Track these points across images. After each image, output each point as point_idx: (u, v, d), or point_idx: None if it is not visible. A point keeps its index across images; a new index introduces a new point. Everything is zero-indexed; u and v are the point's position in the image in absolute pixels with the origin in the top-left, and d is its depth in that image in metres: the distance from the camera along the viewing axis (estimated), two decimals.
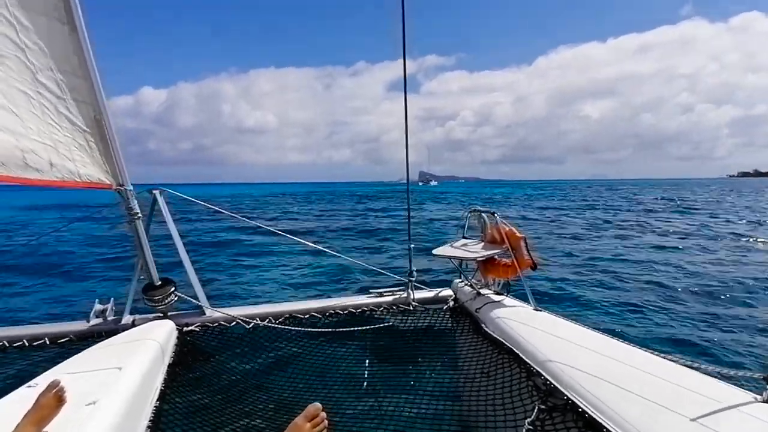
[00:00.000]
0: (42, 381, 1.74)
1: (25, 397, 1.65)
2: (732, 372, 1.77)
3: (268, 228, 4.35)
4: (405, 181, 3.64)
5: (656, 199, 42.67)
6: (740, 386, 1.69)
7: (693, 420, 1.47)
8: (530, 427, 1.87)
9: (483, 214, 3.34)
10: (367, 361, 3.24)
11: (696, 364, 1.88)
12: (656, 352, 2.07)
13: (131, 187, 2.92)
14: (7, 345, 2.91)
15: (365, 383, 3.07)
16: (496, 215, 3.14)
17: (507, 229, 3.02)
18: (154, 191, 3.18)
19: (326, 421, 1.35)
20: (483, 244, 3.28)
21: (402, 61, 3.24)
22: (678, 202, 36.02)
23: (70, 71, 2.52)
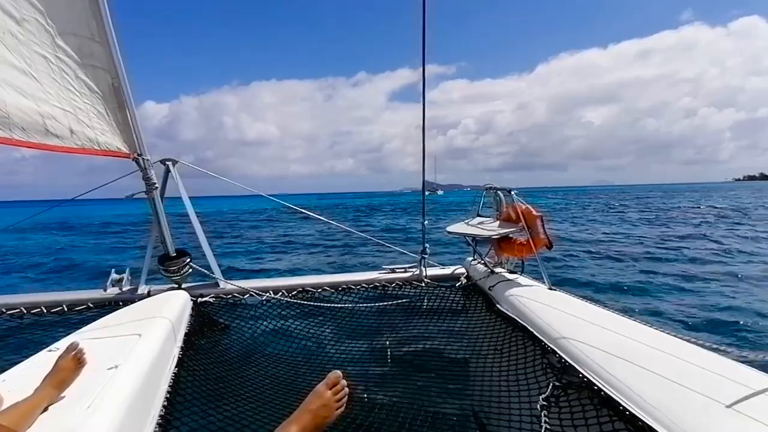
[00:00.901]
0: (63, 345, 1.76)
1: (46, 360, 1.67)
2: (752, 354, 1.76)
3: (284, 204, 4.35)
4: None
5: (697, 206, 34.51)
6: (761, 370, 1.68)
7: (712, 399, 1.45)
8: (545, 403, 1.86)
9: (499, 192, 3.31)
10: (378, 335, 3.26)
11: (715, 345, 1.87)
12: (672, 332, 2.06)
13: (149, 157, 2.92)
14: (25, 311, 2.96)
15: (376, 358, 3.09)
16: (512, 192, 3.11)
17: (523, 207, 2.98)
18: (167, 162, 3.18)
19: (347, 389, 1.35)
20: (498, 222, 3.25)
21: (419, 69, 3.21)
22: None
23: (89, 36, 2.50)
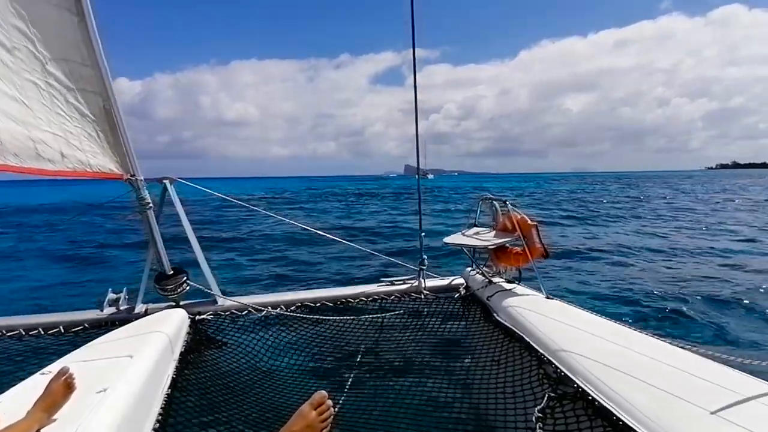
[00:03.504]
0: (55, 368, 1.77)
1: (38, 383, 1.68)
2: (748, 362, 1.74)
3: (281, 218, 4.36)
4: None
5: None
6: (759, 377, 1.65)
7: (706, 409, 1.44)
8: (540, 414, 1.86)
9: (494, 202, 3.32)
10: (377, 349, 3.24)
11: (710, 353, 1.85)
12: (668, 340, 2.04)
13: (142, 177, 2.94)
14: (24, 333, 2.97)
15: (376, 371, 3.07)
16: (507, 203, 3.12)
17: (518, 216, 2.99)
18: (164, 180, 3.19)
19: (332, 410, 1.34)
20: (494, 232, 3.25)
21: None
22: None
23: (80, 61, 2.52)
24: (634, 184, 62.57)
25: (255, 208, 4.46)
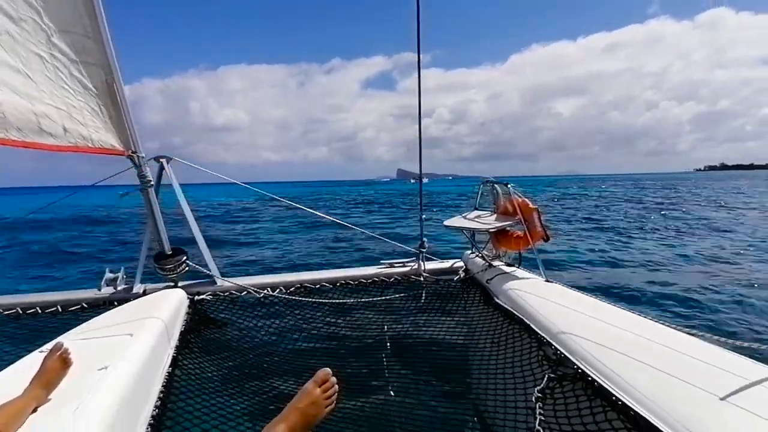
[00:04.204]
0: (52, 346, 1.77)
1: (36, 362, 1.66)
2: (747, 345, 1.76)
3: (281, 200, 4.34)
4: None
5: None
6: (757, 360, 1.67)
7: (704, 390, 1.45)
8: (540, 395, 1.87)
9: (496, 186, 3.32)
10: (377, 331, 3.25)
11: (709, 336, 1.88)
12: (668, 323, 2.06)
13: (143, 154, 2.92)
14: (21, 312, 2.96)
15: (375, 352, 3.10)
16: (509, 186, 3.12)
17: (520, 200, 2.99)
18: (161, 159, 3.17)
19: (336, 386, 1.35)
20: (495, 215, 3.25)
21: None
22: None
23: (83, 33, 2.51)
24: (639, 186, 60.79)
25: (255, 189, 4.43)
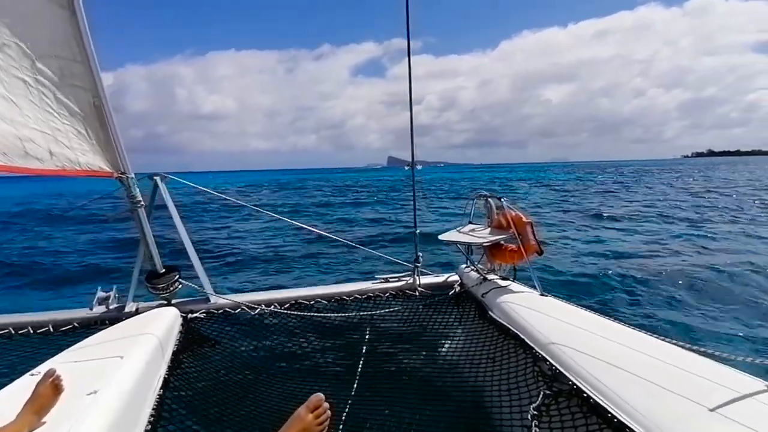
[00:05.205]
0: (44, 369, 1.75)
1: (28, 385, 1.65)
2: (741, 358, 1.75)
3: (278, 217, 4.33)
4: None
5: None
6: (751, 374, 1.66)
7: (700, 405, 1.45)
8: (535, 412, 1.86)
9: (489, 200, 3.31)
10: (372, 346, 3.23)
11: (703, 350, 1.86)
12: (663, 337, 2.05)
13: (132, 175, 2.90)
14: (13, 332, 2.92)
15: (371, 368, 3.07)
16: (502, 200, 3.11)
17: (513, 214, 2.98)
18: (155, 177, 3.14)
19: (329, 412, 1.33)
20: (490, 229, 3.25)
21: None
22: None
23: (70, 57, 2.48)
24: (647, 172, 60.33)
25: (251, 207, 4.41)
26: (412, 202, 3.85)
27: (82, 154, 2.62)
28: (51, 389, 1.59)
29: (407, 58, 3.40)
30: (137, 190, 2.93)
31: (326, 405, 1.32)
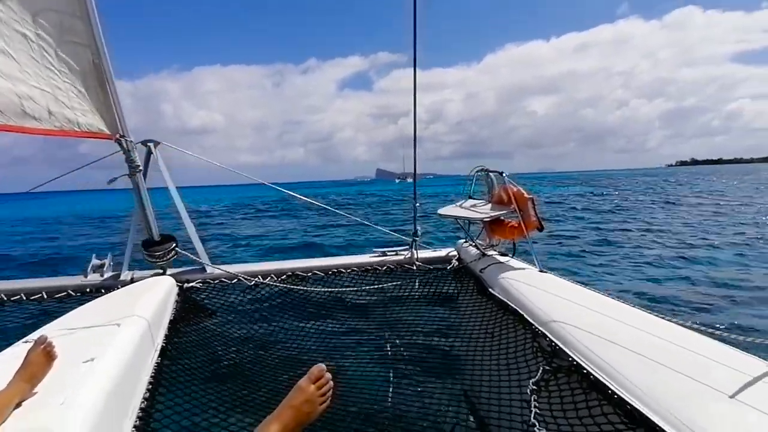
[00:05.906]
0: (36, 337, 1.70)
1: (20, 353, 1.59)
2: (742, 337, 1.75)
3: (274, 187, 4.27)
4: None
5: None
6: (753, 354, 1.67)
7: (700, 383, 1.43)
8: (534, 387, 1.85)
9: (491, 174, 3.27)
10: (369, 319, 3.23)
11: (704, 328, 1.87)
12: (663, 316, 2.05)
13: (132, 138, 2.84)
14: (5, 298, 2.88)
15: (367, 342, 3.07)
16: (504, 175, 3.07)
17: (515, 189, 2.95)
18: (148, 143, 3.08)
19: (331, 383, 1.31)
20: (490, 204, 3.21)
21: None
22: None
23: (70, 12, 2.42)
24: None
25: (247, 176, 4.35)
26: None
27: (81, 115, 2.56)
28: (43, 356, 1.53)
29: (413, 69, 3.29)
30: (136, 154, 2.88)
31: (328, 375, 1.31)
